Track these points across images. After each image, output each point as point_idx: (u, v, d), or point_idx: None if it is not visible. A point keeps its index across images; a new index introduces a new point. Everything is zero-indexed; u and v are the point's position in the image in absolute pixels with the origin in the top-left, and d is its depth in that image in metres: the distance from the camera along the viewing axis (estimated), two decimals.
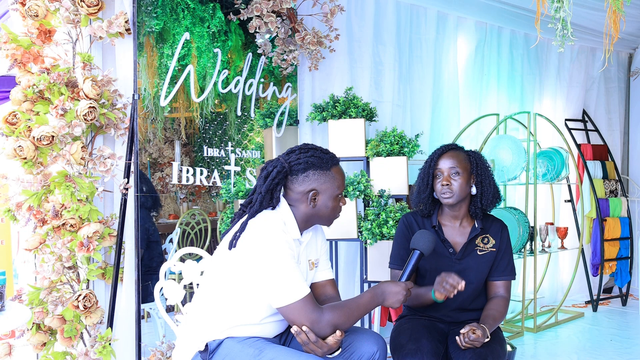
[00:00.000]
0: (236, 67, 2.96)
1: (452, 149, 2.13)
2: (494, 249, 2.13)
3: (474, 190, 2.11)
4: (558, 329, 4.01)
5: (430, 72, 3.88)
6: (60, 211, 2.32)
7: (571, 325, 4.14)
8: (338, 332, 1.66)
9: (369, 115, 3.05)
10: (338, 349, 1.70)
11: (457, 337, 1.90)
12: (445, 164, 2.08)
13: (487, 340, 1.89)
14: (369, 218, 2.87)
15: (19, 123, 2.30)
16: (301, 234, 1.81)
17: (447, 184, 2.06)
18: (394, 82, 3.66)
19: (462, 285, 1.86)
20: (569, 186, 4.64)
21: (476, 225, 2.13)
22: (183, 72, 2.72)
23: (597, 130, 5.02)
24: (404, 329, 2.05)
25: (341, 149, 2.96)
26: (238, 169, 2.97)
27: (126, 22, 2.47)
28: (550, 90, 4.80)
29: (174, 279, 2.25)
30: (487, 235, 2.14)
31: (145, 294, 2.50)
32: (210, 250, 2.74)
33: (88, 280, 2.42)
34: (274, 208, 1.78)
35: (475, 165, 2.12)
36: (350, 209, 2.86)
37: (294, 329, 1.64)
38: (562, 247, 4.22)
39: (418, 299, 2.06)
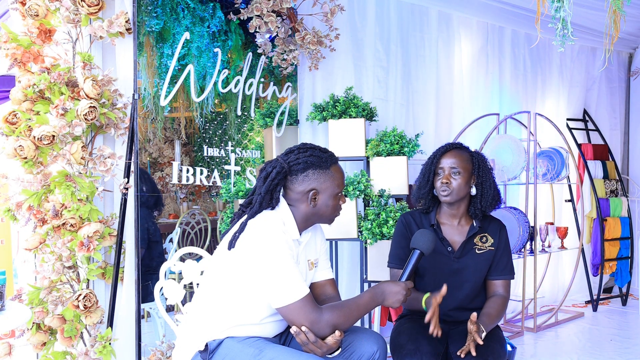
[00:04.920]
0: (236, 67, 2.96)
1: (456, 147, 2.14)
2: (492, 248, 2.13)
3: (473, 191, 2.12)
4: (558, 329, 4.01)
5: (433, 71, 3.89)
6: (61, 211, 2.32)
7: (571, 325, 4.13)
8: (337, 332, 1.66)
9: (369, 115, 3.05)
10: (338, 349, 1.70)
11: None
12: (446, 163, 2.09)
13: (483, 333, 1.89)
14: (369, 218, 2.87)
15: (19, 123, 2.31)
16: (300, 234, 1.81)
17: (447, 182, 2.07)
18: (396, 81, 3.66)
19: (443, 289, 1.85)
20: (569, 186, 4.64)
21: (474, 224, 2.14)
22: (183, 72, 2.71)
23: (597, 129, 5.02)
24: (404, 329, 2.05)
25: (341, 148, 2.96)
26: (238, 168, 2.97)
27: (127, 21, 2.47)
28: (551, 90, 4.80)
29: (174, 279, 2.25)
30: (486, 234, 2.15)
31: (145, 293, 2.50)
32: (210, 250, 2.74)
33: (88, 280, 2.42)
34: (273, 208, 1.78)
35: (478, 167, 2.12)
36: (350, 209, 2.86)
37: (293, 329, 1.64)
38: (562, 247, 4.21)
39: (411, 302, 2.07)
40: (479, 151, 2.20)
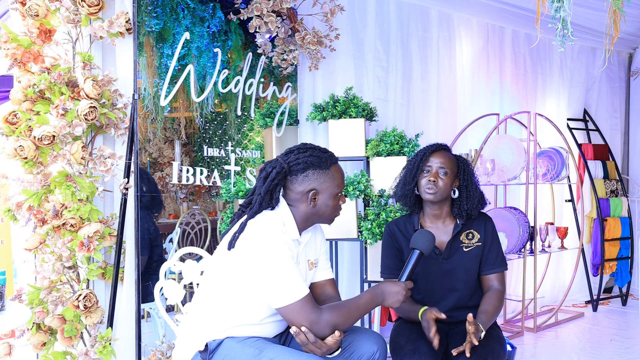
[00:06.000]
0: (236, 67, 2.96)
1: (444, 149, 2.16)
2: (480, 243, 2.13)
3: (455, 194, 2.14)
4: (558, 329, 4.01)
5: (433, 71, 3.89)
6: (61, 211, 2.32)
7: (571, 325, 4.13)
8: (337, 333, 1.66)
9: (369, 115, 3.05)
10: (338, 349, 1.70)
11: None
12: (435, 162, 2.10)
13: (482, 333, 1.89)
14: (369, 218, 2.87)
15: (19, 123, 2.31)
16: (300, 234, 1.81)
17: (434, 181, 2.07)
18: (396, 81, 3.66)
19: (442, 315, 1.90)
20: (570, 186, 4.64)
21: (458, 222, 2.14)
22: (183, 72, 2.71)
23: (597, 129, 5.02)
24: (403, 329, 2.05)
25: (341, 148, 2.96)
26: (238, 168, 2.97)
27: (127, 21, 2.47)
28: (552, 90, 4.80)
29: (174, 279, 2.25)
30: (471, 230, 2.15)
31: (145, 293, 2.50)
32: (210, 250, 2.74)
33: (88, 280, 2.42)
34: (273, 208, 1.78)
35: (462, 171, 2.15)
36: (350, 209, 2.86)
37: (293, 330, 1.64)
38: (562, 247, 4.21)
39: (408, 314, 2.08)
40: (462, 156, 2.23)
